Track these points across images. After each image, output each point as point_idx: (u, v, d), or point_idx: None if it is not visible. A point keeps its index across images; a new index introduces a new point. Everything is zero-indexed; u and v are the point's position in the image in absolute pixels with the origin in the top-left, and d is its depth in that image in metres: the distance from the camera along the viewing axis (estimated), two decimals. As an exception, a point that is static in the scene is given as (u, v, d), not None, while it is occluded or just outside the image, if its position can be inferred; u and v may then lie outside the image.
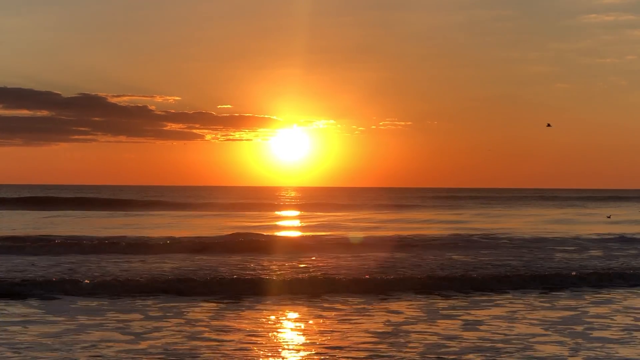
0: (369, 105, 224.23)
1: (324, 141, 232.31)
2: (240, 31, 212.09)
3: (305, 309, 19.91)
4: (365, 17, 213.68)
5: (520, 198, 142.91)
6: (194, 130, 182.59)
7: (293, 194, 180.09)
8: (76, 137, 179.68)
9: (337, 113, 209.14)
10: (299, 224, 61.20)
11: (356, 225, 58.58)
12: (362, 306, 20.33)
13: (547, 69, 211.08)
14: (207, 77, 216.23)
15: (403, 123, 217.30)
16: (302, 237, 45.29)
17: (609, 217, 77.18)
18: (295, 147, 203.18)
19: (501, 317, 18.87)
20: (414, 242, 39.46)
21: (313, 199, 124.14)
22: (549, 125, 50.26)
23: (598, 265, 30.39)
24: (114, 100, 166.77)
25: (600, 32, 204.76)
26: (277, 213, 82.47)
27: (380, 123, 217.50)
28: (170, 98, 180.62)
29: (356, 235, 57.62)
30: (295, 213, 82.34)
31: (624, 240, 42.94)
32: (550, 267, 29.40)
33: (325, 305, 20.42)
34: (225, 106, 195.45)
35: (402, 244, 38.84)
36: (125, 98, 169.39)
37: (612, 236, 45.43)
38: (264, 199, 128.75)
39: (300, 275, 25.46)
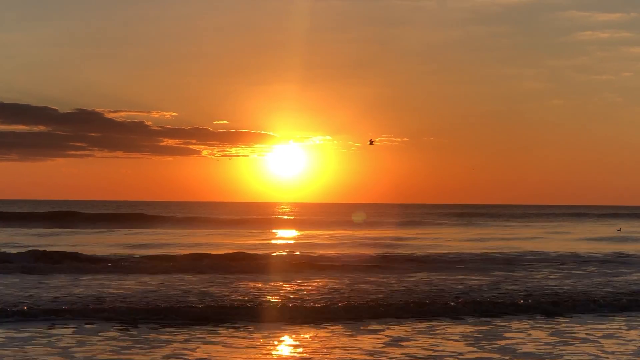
0: (365, 121, 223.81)
1: (320, 157, 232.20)
2: (236, 47, 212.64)
3: (245, 334, 20.02)
4: (362, 34, 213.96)
5: (526, 215, 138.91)
6: (191, 146, 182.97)
7: (292, 209, 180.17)
8: (73, 152, 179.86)
9: (334, 129, 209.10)
10: (307, 242, 59.27)
11: (373, 242, 57.81)
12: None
13: (543, 85, 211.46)
14: (204, 93, 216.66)
15: (399, 139, 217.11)
16: (298, 257, 42.95)
17: (619, 230, 76.82)
18: (291, 163, 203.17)
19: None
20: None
21: (314, 215, 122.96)
22: (371, 142, 49.95)
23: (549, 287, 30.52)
24: (111, 115, 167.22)
25: (596, 49, 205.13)
26: (286, 230, 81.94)
27: (377, 139, 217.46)
28: (166, 114, 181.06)
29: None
30: (300, 230, 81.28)
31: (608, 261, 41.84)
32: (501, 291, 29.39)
33: (277, 331, 20.45)
34: (222, 122, 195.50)
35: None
36: (122, 114, 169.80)
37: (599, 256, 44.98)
38: (262, 214, 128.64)
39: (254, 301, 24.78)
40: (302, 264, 37.55)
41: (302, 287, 27.92)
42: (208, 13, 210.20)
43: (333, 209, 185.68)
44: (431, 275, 33.06)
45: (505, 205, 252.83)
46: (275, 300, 24.30)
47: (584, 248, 52.56)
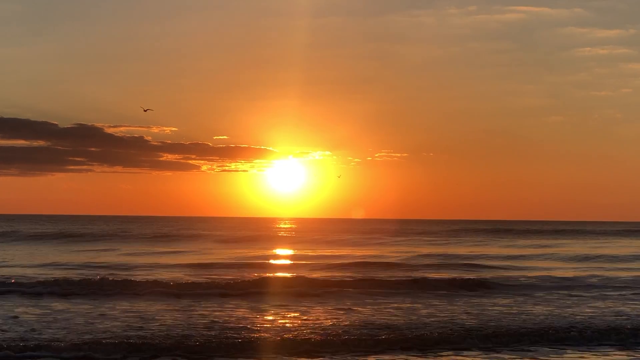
0: (364, 137, 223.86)
1: (319, 172, 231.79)
2: (236, 62, 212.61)
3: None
4: (362, 49, 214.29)
5: (560, 232, 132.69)
6: (190, 161, 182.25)
7: (295, 225, 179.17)
8: (72, 167, 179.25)
9: (333, 144, 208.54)
10: (326, 262, 56.40)
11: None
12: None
13: (542, 102, 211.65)
14: (204, 108, 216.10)
15: (399, 154, 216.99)
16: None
17: None
18: (291, 178, 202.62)
19: None
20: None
21: (320, 233, 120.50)
22: (145, 110, 49.41)
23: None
24: (111, 130, 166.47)
25: (595, 65, 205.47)
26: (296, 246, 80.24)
27: (376, 154, 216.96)
28: (166, 129, 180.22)
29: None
30: (312, 247, 79.11)
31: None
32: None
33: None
34: (221, 137, 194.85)
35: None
36: (121, 128, 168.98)
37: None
38: (266, 230, 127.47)
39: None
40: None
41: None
42: (208, 29, 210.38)
43: (337, 224, 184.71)
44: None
45: (507, 220, 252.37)
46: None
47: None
